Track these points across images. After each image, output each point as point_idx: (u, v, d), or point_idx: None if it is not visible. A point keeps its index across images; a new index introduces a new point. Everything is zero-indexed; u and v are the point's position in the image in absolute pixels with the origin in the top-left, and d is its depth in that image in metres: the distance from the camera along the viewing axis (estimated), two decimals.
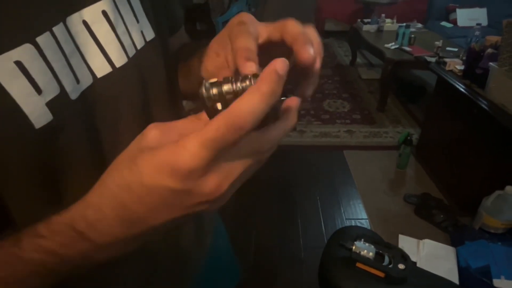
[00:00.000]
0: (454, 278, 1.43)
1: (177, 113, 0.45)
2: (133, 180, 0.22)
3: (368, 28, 3.40)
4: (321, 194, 2.03)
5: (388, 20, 3.47)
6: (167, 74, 0.42)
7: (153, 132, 0.23)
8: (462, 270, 1.46)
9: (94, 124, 0.32)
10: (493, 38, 1.71)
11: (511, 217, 1.53)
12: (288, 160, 2.34)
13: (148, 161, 0.22)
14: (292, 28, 0.28)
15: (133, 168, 0.22)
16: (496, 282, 1.38)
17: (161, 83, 0.41)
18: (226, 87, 0.23)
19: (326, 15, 4.72)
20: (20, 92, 0.25)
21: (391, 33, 3.14)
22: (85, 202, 0.24)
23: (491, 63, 1.56)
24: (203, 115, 0.24)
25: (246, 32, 0.27)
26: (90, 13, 0.30)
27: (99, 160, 0.33)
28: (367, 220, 1.82)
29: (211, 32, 3.80)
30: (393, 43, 2.92)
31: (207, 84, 0.23)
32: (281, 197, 2.05)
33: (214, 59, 0.34)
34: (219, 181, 0.22)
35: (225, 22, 3.54)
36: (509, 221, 1.54)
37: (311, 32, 0.29)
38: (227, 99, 0.23)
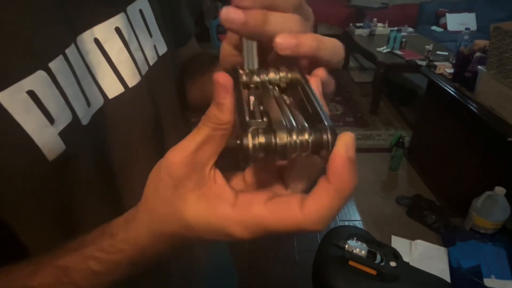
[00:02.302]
0: (446, 278, 1.45)
1: (186, 127, 0.43)
2: (185, 233, 0.22)
3: (360, 32, 3.45)
4: None
5: (379, 24, 3.52)
6: (177, 88, 0.40)
7: (181, 170, 0.20)
8: (454, 270, 1.48)
9: (105, 147, 0.30)
10: (482, 42, 1.74)
11: (501, 217, 1.56)
12: None
13: (203, 223, 0.21)
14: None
15: (182, 225, 0.21)
16: (486, 281, 1.41)
17: (172, 98, 0.39)
18: (280, 140, 0.17)
19: (319, 19, 4.76)
20: (32, 124, 0.23)
21: (383, 37, 3.18)
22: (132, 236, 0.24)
23: (479, 67, 1.59)
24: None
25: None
26: (103, 31, 0.29)
27: (112, 184, 0.31)
28: (361, 222, 1.84)
29: (205, 35, 3.81)
30: (384, 47, 2.96)
31: (251, 132, 0.17)
32: None
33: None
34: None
35: (218, 26, 3.55)
36: (499, 222, 1.57)
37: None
38: (275, 152, 0.17)
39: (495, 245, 1.53)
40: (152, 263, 0.25)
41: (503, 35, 1.42)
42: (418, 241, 1.63)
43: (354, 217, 1.88)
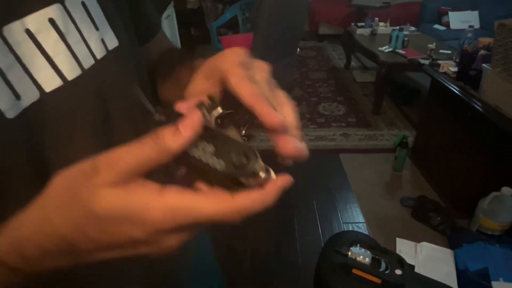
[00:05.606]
0: (453, 281, 1.42)
1: (145, 125, 0.42)
2: (90, 225, 0.21)
3: (362, 31, 3.42)
4: (317, 198, 2.02)
5: (381, 23, 3.49)
6: (136, 82, 0.39)
7: (104, 170, 0.21)
8: (461, 273, 1.45)
9: (41, 143, 0.29)
10: (486, 40, 1.72)
11: (508, 218, 1.53)
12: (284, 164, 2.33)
13: (112, 209, 0.20)
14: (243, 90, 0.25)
15: (89, 215, 0.20)
16: (495, 284, 1.37)
17: (127, 94, 0.38)
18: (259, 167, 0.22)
19: (320, 19, 4.75)
20: None
21: (385, 36, 3.16)
22: (21, 235, 0.22)
23: (484, 65, 1.56)
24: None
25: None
26: (35, 21, 0.28)
27: (46, 181, 0.31)
28: (364, 224, 1.81)
29: (205, 37, 3.80)
30: (387, 46, 2.93)
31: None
32: (277, 202, 2.03)
33: (202, 82, 0.30)
34: (177, 242, 0.22)
35: (219, 27, 3.54)
36: (506, 223, 1.53)
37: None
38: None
39: (502, 247, 1.49)
40: (41, 275, 0.24)
41: (508, 32, 1.39)
42: (424, 243, 1.60)
43: (358, 219, 1.86)
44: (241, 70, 0.25)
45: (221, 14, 3.82)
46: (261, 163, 0.23)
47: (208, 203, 0.20)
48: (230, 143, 0.23)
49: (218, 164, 0.22)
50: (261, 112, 0.23)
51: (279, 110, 0.25)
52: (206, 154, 0.22)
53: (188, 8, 4.37)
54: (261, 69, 0.27)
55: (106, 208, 0.20)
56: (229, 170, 0.22)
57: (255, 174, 0.22)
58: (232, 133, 0.25)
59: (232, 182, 0.22)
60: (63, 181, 0.22)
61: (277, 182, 0.23)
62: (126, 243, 0.21)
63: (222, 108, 0.25)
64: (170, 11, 2.79)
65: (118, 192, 0.20)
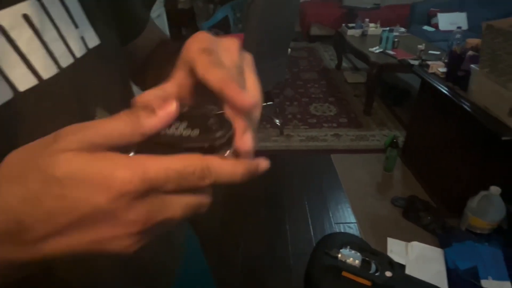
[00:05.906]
0: (443, 280, 1.43)
1: None
2: (46, 190, 0.18)
3: (353, 32, 3.44)
4: (309, 199, 2.02)
5: (372, 24, 3.52)
6: (118, 82, 0.38)
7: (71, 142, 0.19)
8: (451, 272, 1.46)
9: (15, 144, 0.27)
10: (474, 41, 1.74)
11: (496, 217, 1.54)
12: (275, 165, 2.32)
13: (72, 169, 0.18)
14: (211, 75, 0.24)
15: (45, 179, 0.18)
16: (484, 282, 1.39)
17: (110, 93, 0.37)
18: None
19: (312, 20, 4.77)
20: None
21: (375, 37, 3.18)
22: None
23: (472, 65, 1.58)
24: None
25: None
26: (7, 17, 0.27)
27: None
28: (356, 224, 1.81)
29: None
30: (377, 47, 2.95)
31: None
32: (269, 203, 2.02)
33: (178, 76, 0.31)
34: (144, 216, 0.19)
35: (210, 27, 3.52)
36: (494, 222, 1.55)
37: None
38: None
39: (491, 246, 1.51)
40: None
41: (495, 33, 1.41)
42: (414, 243, 1.61)
43: (349, 220, 1.86)
44: (206, 57, 0.24)
45: (212, 14, 3.81)
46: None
47: (178, 158, 0.20)
48: (205, 114, 0.23)
49: (192, 132, 0.22)
50: (231, 94, 0.22)
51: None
52: (179, 129, 0.22)
53: (179, 8, 4.34)
54: (229, 50, 0.26)
55: (66, 170, 0.18)
56: (203, 136, 0.22)
57: (230, 142, 0.22)
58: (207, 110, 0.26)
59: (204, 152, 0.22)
60: (19, 154, 0.20)
61: (252, 161, 0.22)
62: (86, 215, 0.19)
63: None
64: (160, 10, 2.76)
65: (81, 156, 0.18)
